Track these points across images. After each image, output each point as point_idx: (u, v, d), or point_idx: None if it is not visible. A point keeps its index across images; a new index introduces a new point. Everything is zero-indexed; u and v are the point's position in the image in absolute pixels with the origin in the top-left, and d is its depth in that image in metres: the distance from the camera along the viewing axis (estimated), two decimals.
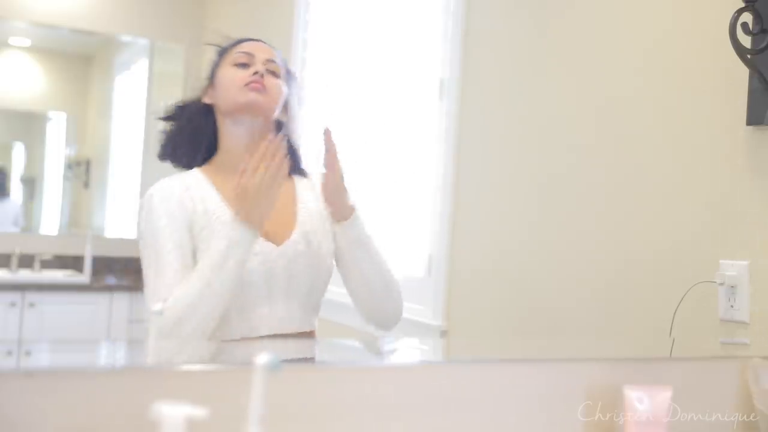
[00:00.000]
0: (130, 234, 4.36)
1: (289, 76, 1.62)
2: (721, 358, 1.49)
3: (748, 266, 1.51)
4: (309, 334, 1.52)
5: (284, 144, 1.41)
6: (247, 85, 1.51)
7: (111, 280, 3.88)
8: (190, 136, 1.59)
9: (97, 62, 4.60)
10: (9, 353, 1.36)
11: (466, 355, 1.70)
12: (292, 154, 1.60)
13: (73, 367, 0.97)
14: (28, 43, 4.40)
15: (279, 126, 1.58)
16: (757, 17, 1.47)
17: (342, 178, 1.50)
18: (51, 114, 4.49)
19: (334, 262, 1.56)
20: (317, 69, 3.20)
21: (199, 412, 0.76)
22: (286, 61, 1.63)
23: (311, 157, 1.72)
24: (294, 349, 1.49)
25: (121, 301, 3.61)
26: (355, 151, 2.82)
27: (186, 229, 1.45)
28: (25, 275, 3.84)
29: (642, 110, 1.78)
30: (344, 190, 1.51)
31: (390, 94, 2.76)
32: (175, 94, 4.32)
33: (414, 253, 2.55)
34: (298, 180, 1.62)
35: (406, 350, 1.68)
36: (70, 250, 4.07)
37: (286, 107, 1.60)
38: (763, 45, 1.46)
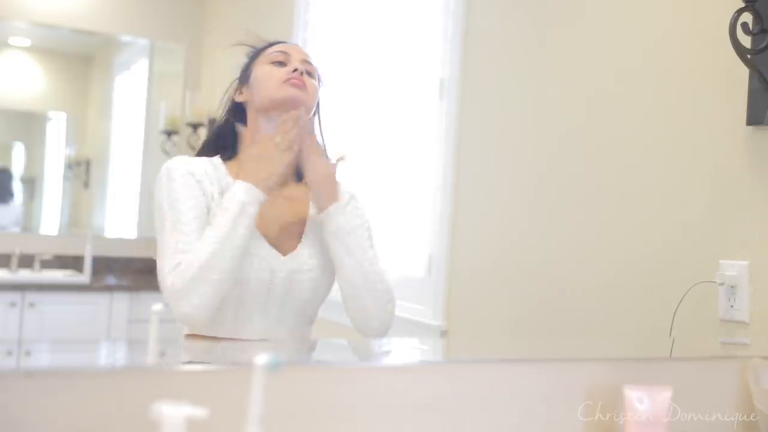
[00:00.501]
0: (130, 234, 4.36)
1: (320, 80, 1.61)
2: (721, 358, 1.49)
3: (748, 266, 1.51)
4: (300, 342, 1.52)
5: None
6: (286, 81, 1.51)
7: (111, 280, 3.88)
8: (225, 136, 1.59)
9: (97, 62, 4.60)
10: (9, 353, 1.36)
11: (466, 355, 1.70)
12: None
13: (73, 367, 0.97)
14: (28, 43, 4.40)
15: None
16: (757, 17, 1.47)
17: (327, 173, 1.49)
18: (51, 114, 4.49)
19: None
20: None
21: (199, 412, 0.76)
22: (317, 66, 1.62)
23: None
24: (282, 353, 1.48)
25: (121, 301, 3.60)
26: (355, 151, 2.81)
27: (203, 204, 1.44)
28: (25, 275, 3.84)
29: (642, 110, 1.78)
30: (327, 180, 1.49)
31: (390, 94, 2.76)
32: (175, 94, 4.35)
33: (414, 253, 2.55)
34: None
35: (404, 350, 1.68)
36: (70, 250, 4.07)
37: (317, 110, 1.61)
38: (763, 45, 1.46)
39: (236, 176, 1.46)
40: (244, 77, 1.59)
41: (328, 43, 3.15)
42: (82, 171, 4.44)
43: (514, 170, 2.14)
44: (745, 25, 1.46)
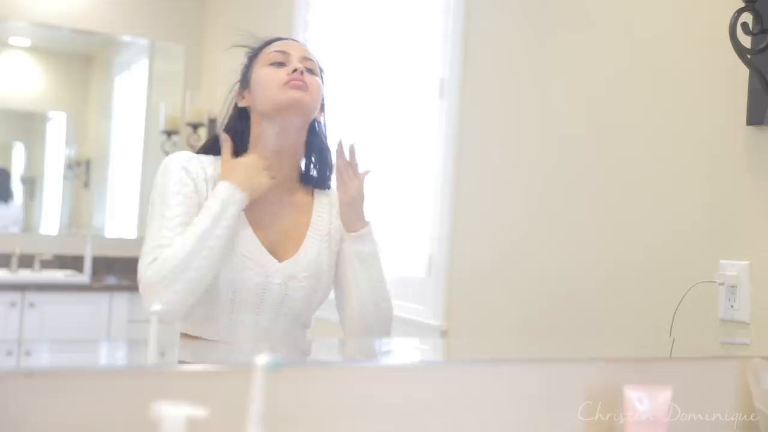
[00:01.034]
0: (130, 234, 4.36)
1: (322, 73, 1.58)
2: (721, 358, 1.49)
3: (748, 266, 1.51)
4: (293, 347, 1.52)
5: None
6: (287, 83, 1.47)
7: (111, 280, 3.88)
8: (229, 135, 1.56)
9: (97, 62, 4.60)
10: (9, 353, 1.37)
11: (466, 355, 1.70)
12: (322, 160, 1.58)
13: (73, 367, 0.97)
14: (28, 43, 4.40)
15: (314, 126, 1.56)
16: (757, 17, 1.47)
17: (359, 194, 1.47)
18: (51, 114, 4.49)
19: (332, 285, 1.55)
20: None
21: (199, 412, 0.76)
22: (318, 59, 1.59)
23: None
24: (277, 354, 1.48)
25: (121, 301, 3.61)
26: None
27: (195, 203, 1.43)
28: (25, 275, 3.84)
29: (642, 110, 1.78)
30: (359, 200, 1.48)
31: (390, 94, 2.76)
32: (175, 94, 4.35)
33: (414, 253, 2.55)
34: (317, 195, 1.58)
35: (404, 350, 1.68)
36: (70, 250, 4.07)
37: (321, 106, 1.58)
38: (763, 45, 1.46)
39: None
40: (245, 80, 1.56)
41: (328, 43, 3.16)
42: (82, 171, 4.44)
43: (514, 170, 2.14)
44: (745, 25, 1.46)
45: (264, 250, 1.46)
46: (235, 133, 1.54)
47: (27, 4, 4.11)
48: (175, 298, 1.35)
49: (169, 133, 4.23)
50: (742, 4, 1.46)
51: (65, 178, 4.42)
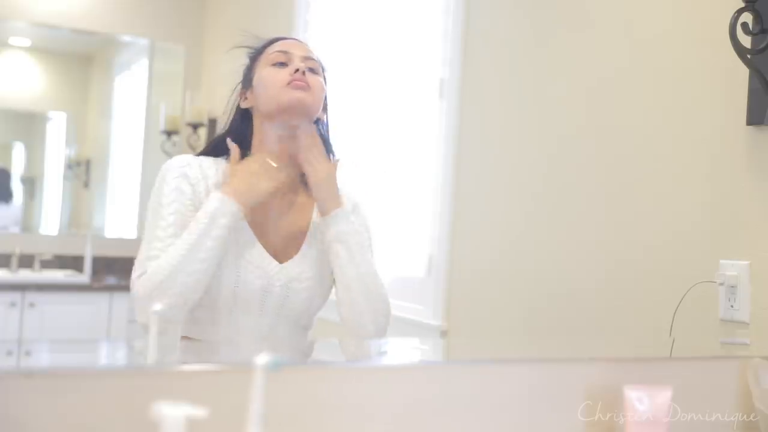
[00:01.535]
0: (130, 234, 4.36)
1: (324, 72, 1.57)
2: (721, 358, 1.49)
3: (748, 266, 1.51)
4: (295, 348, 1.52)
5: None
6: (289, 84, 1.46)
7: (111, 280, 3.88)
8: (232, 137, 1.54)
9: (97, 62, 4.60)
10: (9, 353, 1.37)
11: (466, 355, 1.70)
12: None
13: (73, 367, 0.97)
14: (28, 43, 4.40)
15: (317, 126, 1.55)
16: (757, 17, 1.47)
17: (330, 175, 1.48)
18: (51, 114, 4.49)
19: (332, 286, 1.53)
20: None
21: (199, 412, 0.76)
22: (320, 58, 1.58)
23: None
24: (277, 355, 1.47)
25: (121, 301, 3.60)
26: (355, 151, 2.81)
27: (191, 209, 1.42)
28: (25, 275, 3.84)
29: (642, 110, 1.78)
30: (328, 183, 1.47)
31: (390, 94, 2.76)
32: (175, 94, 4.35)
33: (414, 253, 2.55)
34: None
35: (404, 350, 1.68)
36: (70, 250, 4.07)
37: (324, 106, 1.57)
38: (763, 45, 1.46)
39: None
40: (247, 81, 1.55)
41: (328, 43, 3.15)
42: (82, 171, 4.44)
43: (514, 170, 2.14)
44: (745, 25, 1.46)
45: (265, 252, 1.45)
46: (238, 134, 1.53)
47: (27, 4, 4.11)
48: (162, 311, 1.34)
49: (169, 133, 4.23)
50: (742, 4, 1.46)
51: (65, 178, 4.42)
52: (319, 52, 1.61)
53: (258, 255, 1.44)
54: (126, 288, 3.88)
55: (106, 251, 4.07)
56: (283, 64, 1.50)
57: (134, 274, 1.38)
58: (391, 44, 2.78)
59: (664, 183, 1.71)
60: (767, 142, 1.50)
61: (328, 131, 1.60)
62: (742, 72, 1.51)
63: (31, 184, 4.40)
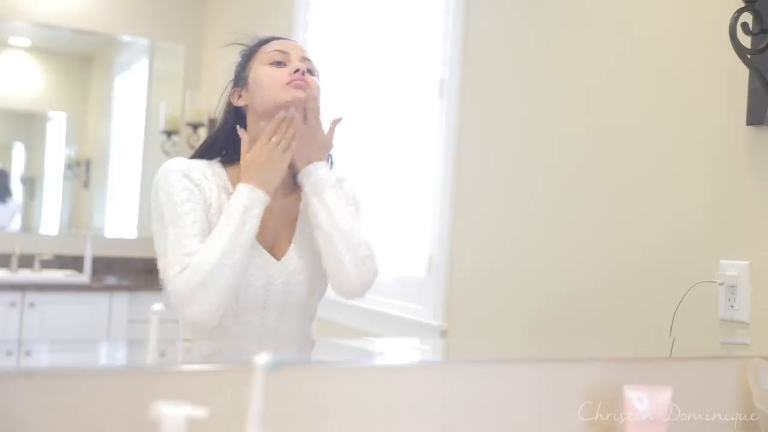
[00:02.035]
0: (130, 234, 4.36)
1: (318, 75, 1.57)
2: (721, 358, 1.49)
3: (748, 266, 1.51)
4: (302, 342, 1.52)
5: (297, 119, 1.42)
6: (289, 83, 1.46)
7: (111, 280, 3.88)
8: (225, 141, 1.54)
9: (97, 62, 4.60)
10: (9, 353, 1.36)
11: (466, 355, 1.70)
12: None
13: (73, 367, 0.97)
14: (28, 43, 4.40)
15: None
16: (757, 17, 1.47)
17: (314, 127, 1.48)
18: (51, 114, 4.49)
19: None
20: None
21: (199, 412, 0.76)
22: (314, 61, 1.58)
23: None
24: (284, 353, 1.47)
25: (121, 301, 3.60)
26: (355, 151, 2.81)
27: (204, 208, 1.42)
28: (25, 275, 3.84)
29: (642, 110, 1.78)
30: (315, 139, 1.48)
31: (390, 94, 2.76)
32: (175, 94, 4.35)
33: (414, 254, 2.55)
34: None
35: (404, 350, 1.68)
36: (70, 250, 4.07)
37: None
38: (763, 45, 1.46)
39: (237, 180, 1.44)
40: (242, 80, 1.54)
41: (328, 43, 3.15)
42: (82, 171, 4.44)
43: (514, 170, 2.14)
44: (745, 25, 1.46)
45: (264, 251, 1.45)
46: (232, 132, 1.53)
47: (27, 4, 4.11)
48: (210, 307, 1.34)
49: (169, 133, 4.23)
50: (742, 4, 1.46)
51: (65, 178, 4.42)
52: (319, 52, 1.61)
53: (257, 255, 1.44)
54: (126, 288, 3.88)
55: (106, 251, 4.07)
56: (281, 64, 1.50)
57: (171, 271, 1.35)
58: (391, 44, 2.78)
59: (664, 183, 1.71)
60: (767, 142, 1.50)
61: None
62: (742, 72, 1.51)
63: (31, 184, 4.40)
